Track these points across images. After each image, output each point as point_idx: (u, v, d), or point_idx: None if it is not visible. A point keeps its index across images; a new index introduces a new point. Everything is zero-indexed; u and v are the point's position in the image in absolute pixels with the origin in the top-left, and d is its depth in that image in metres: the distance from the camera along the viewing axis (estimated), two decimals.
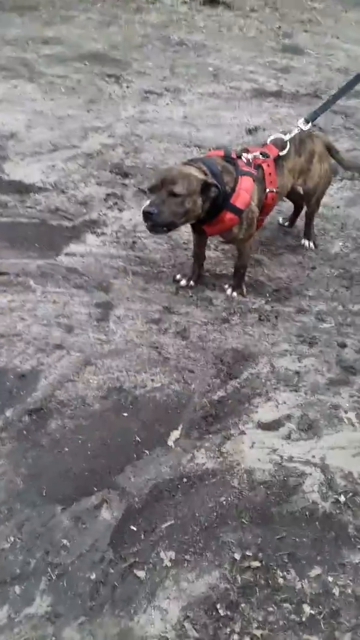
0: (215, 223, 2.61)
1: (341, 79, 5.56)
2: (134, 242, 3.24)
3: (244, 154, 2.71)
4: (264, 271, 3.11)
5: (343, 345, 2.66)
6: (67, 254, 3.09)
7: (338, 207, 3.68)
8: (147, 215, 2.40)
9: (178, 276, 2.95)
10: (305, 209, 3.28)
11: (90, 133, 4.38)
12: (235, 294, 2.91)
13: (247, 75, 5.65)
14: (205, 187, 2.45)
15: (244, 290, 2.92)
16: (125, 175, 3.86)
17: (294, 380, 2.47)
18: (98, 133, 4.39)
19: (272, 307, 2.85)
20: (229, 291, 2.92)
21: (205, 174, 2.49)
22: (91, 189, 3.71)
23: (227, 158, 2.64)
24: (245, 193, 2.58)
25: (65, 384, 2.35)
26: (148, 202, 2.42)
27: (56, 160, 4.00)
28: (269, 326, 2.74)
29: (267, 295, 2.93)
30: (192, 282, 2.94)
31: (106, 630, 1.62)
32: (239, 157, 2.68)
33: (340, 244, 3.36)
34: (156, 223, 2.41)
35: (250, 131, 4.54)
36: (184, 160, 2.68)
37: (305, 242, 3.33)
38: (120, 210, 3.53)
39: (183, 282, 2.93)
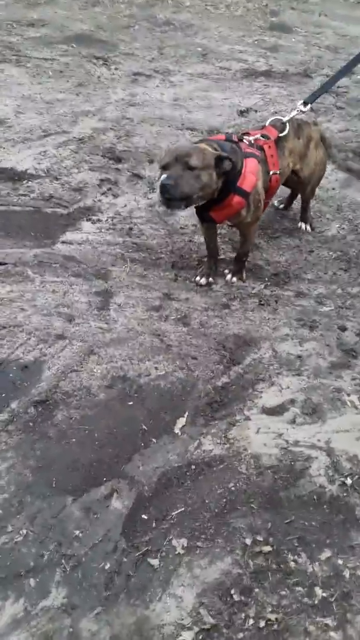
0: (223, 207, 2.58)
1: (330, 57, 5.53)
2: (130, 229, 3.22)
3: (245, 137, 2.68)
4: (262, 255, 3.10)
5: (343, 329, 2.67)
6: (63, 242, 3.06)
7: (333, 188, 3.67)
8: (164, 187, 2.32)
9: (197, 277, 2.90)
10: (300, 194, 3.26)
11: (80, 117, 4.32)
12: (235, 279, 2.90)
13: (236, 55, 5.58)
14: (219, 160, 2.42)
15: (244, 275, 2.92)
16: (118, 159, 3.81)
17: (296, 364, 2.48)
18: (88, 117, 4.33)
19: (271, 291, 2.85)
20: (228, 277, 2.91)
21: (217, 150, 2.47)
22: (84, 174, 3.66)
23: (229, 141, 2.61)
24: (251, 175, 2.55)
25: (69, 374, 2.34)
26: (165, 175, 2.36)
27: (47, 146, 3.94)
28: (269, 311, 2.74)
29: (266, 279, 2.93)
30: (211, 279, 2.90)
31: (123, 619, 1.63)
32: (241, 140, 2.65)
33: (337, 226, 3.36)
34: (173, 197, 2.34)
35: (242, 112, 4.50)
36: (197, 141, 2.64)
37: (302, 225, 3.32)
38: (115, 196, 3.49)
39: (203, 281, 2.88)
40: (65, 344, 2.47)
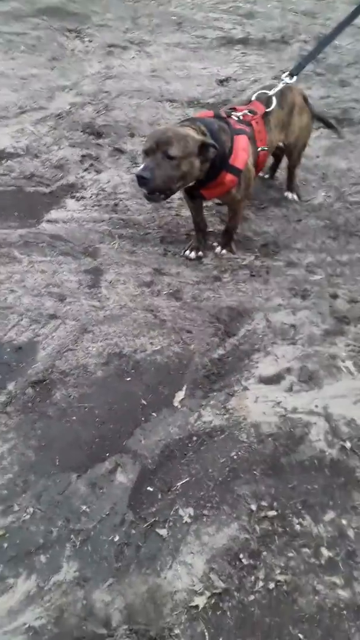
0: (214, 185, 2.54)
1: (307, 22, 5.45)
2: (115, 205, 3.18)
3: (233, 113, 2.63)
4: (251, 226, 3.09)
5: (335, 296, 2.69)
6: (48, 221, 3.02)
7: (318, 156, 3.66)
8: (141, 180, 2.28)
9: (187, 251, 2.88)
10: (285, 160, 3.24)
11: (56, 92, 4.22)
12: (224, 251, 2.90)
13: (212, 23, 5.47)
14: (203, 147, 2.37)
15: (234, 247, 2.91)
16: (99, 134, 3.75)
17: (290, 333, 2.50)
18: (65, 92, 4.24)
19: (262, 262, 2.85)
20: (218, 249, 2.90)
21: (204, 134, 2.42)
22: (65, 151, 3.60)
23: (218, 118, 2.56)
24: (243, 152, 2.51)
25: (65, 354, 2.33)
26: (142, 165, 2.31)
27: (25, 124, 3.86)
28: (261, 281, 2.75)
29: (256, 250, 2.93)
30: (200, 253, 2.88)
31: (135, 589, 1.66)
32: (229, 116, 2.60)
33: (323, 194, 3.35)
34: (151, 189, 2.31)
35: (221, 82, 4.43)
36: (182, 120, 2.57)
37: (289, 195, 3.31)
38: (98, 172, 3.44)
39: (192, 255, 2.86)
40: (58, 324, 2.46)
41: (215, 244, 2.93)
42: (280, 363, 2.37)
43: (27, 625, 1.57)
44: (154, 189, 2.32)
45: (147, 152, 2.33)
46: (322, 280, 2.78)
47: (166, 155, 2.29)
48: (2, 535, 1.76)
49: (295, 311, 2.61)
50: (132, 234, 2.98)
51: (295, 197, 3.32)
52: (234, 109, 2.69)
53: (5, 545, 1.74)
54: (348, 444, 2.07)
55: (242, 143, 2.52)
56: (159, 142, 2.30)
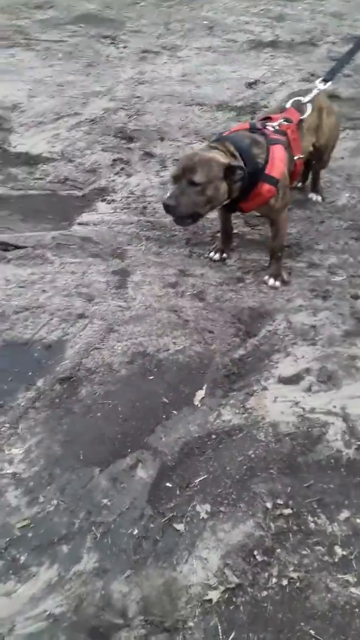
0: (251, 198, 2.55)
1: (336, 24, 5.43)
2: (144, 207, 3.26)
3: (269, 123, 2.65)
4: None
5: (356, 297, 2.70)
6: (80, 224, 3.13)
7: (342, 158, 3.66)
8: (167, 208, 2.37)
9: (211, 253, 2.92)
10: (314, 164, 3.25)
11: (91, 98, 4.35)
12: (277, 282, 2.77)
13: (243, 27, 5.52)
14: (229, 170, 2.39)
15: (285, 276, 2.80)
16: (130, 139, 3.84)
17: (311, 334, 2.53)
18: (99, 97, 4.35)
19: (284, 263, 2.88)
20: (270, 281, 2.78)
21: (233, 155, 2.44)
22: (97, 155, 3.71)
23: (254, 129, 2.59)
24: (279, 162, 2.53)
25: (92, 352, 2.42)
26: (168, 193, 2.38)
27: (60, 129, 3.99)
28: (283, 282, 2.78)
29: None
30: (224, 255, 2.91)
31: (152, 581, 1.72)
32: (264, 127, 2.62)
33: (347, 195, 3.36)
34: (177, 216, 2.39)
35: (250, 85, 4.48)
36: (211, 140, 2.59)
37: (313, 196, 3.32)
38: (128, 175, 3.53)
39: (217, 257, 2.90)
40: (86, 323, 2.55)
41: (266, 277, 2.81)
42: (299, 363, 2.40)
43: (47, 613, 1.65)
44: (180, 216, 2.39)
45: (175, 179, 2.40)
46: (343, 282, 2.79)
47: (191, 182, 2.34)
48: (26, 525, 1.84)
49: (316, 312, 2.63)
50: (158, 236, 3.05)
51: (319, 198, 3.33)
52: (269, 119, 2.71)
53: (30, 535, 1.83)
54: None
55: (278, 153, 2.54)
56: (185, 168, 2.36)
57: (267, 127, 2.61)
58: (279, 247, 2.78)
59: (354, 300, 2.69)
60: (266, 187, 2.52)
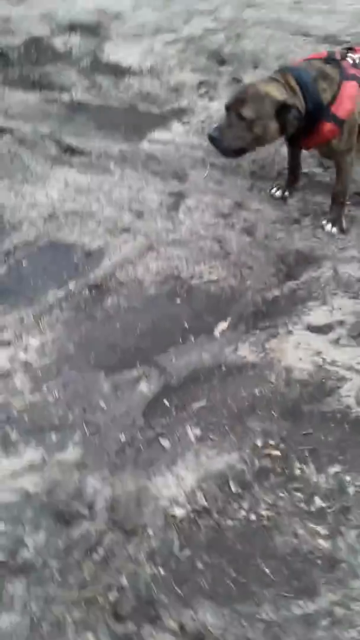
0: (311, 136, 2.38)
1: None
2: None
3: (350, 54, 2.40)
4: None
5: None
6: (150, 141, 3.09)
7: None
8: (211, 139, 2.28)
9: (273, 189, 2.80)
10: None
11: (194, 16, 4.18)
12: (335, 229, 2.63)
13: None
14: (283, 108, 2.22)
15: (344, 223, 2.64)
16: (222, 62, 3.69)
17: (356, 287, 2.39)
18: (203, 16, 4.18)
19: (348, 210, 2.70)
20: (328, 227, 2.63)
21: (293, 89, 2.25)
22: (185, 75, 3.60)
23: (330, 60, 2.37)
24: (348, 101, 2.30)
25: (127, 266, 2.43)
26: (214, 125, 2.29)
27: (156, 44, 3.90)
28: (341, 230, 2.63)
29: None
30: (286, 193, 2.78)
31: (125, 485, 1.77)
32: (344, 58, 2.38)
33: None
34: (221, 150, 2.29)
35: None
36: (274, 71, 2.40)
37: None
38: (211, 99, 3.42)
39: (278, 194, 2.77)
40: (129, 238, 2.56)
41: (324, 221, 2.66)
42: (334, 314, 2.29)
43: (23, 489, 1.75)
44: (224, 150, 2.29)
45: (226, 109, 2.28)
46: None
47: (239, 116, 2.21)
48: (24, 410, 1.95)
49: None
50: (224, 164, 2.96)
51: None
52: (352, 49, 2.49)
53: (26, 418, 1.93)
54: None
55: (350, 90, 2.31)
56: (236, 100, 2.23)
57: (348, 58, 2.38)
58: (341, 192, 2.60)
59: None
60: (328, 126, 2.32)
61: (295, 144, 2.53)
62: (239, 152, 2.35)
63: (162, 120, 3.26)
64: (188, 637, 1.49)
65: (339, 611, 1.52)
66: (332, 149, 2.45)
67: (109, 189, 2.79)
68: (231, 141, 2.27)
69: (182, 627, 1.50)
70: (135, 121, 3.25)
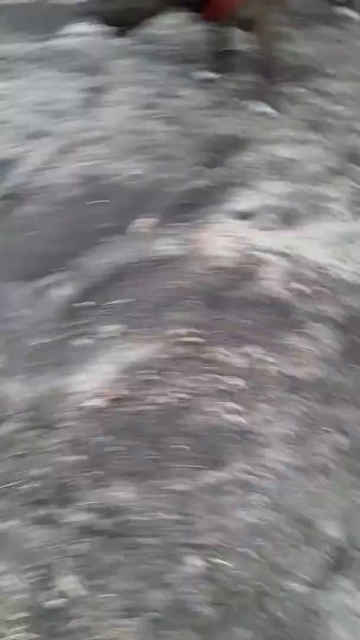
0: None
1: None
2: None
3: None
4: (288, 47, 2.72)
5: (352, 130, 2.37)
6: (66, 36, 2.89)
7: None
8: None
9: (203, 72, 2.68)
10: None
11: None
12: (268, 108, 2.53)
13: None
14: None
15: (278, 101, 2.52)
16: None
17: (287, 169, 2.29)
18: None
19: (280, 87, 2.54)
20: (260, 106, 2.53)
21: None
22: None
23: None
24: None
25: (45, 171, 2.34)
26: None
27: None
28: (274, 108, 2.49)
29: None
30: (217, 75, 2.66)
31: (45, 386, 1.78)
32: None
33: None
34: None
35: None
36: None
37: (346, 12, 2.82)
38: None
39: (208, 76, 2.67)
40: (47, 141, 2.45)
41: (256, 100, 2.54)
42: (263, 198, 2.21)
43: None
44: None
45: None
46: (345, 113, 2.45)
47: None
48: None
49: (301, 144, 2.36)
50: (150, 50, 2.77)
51: (355, 15, 2.84)
52: None
53: None
54: (304, 288, 1.95)
55: None
56: None
57: None
58: (269, 63, 2.47)
59: (348, 135, 2.37)
60: None
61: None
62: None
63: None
64: (103, 513, 1.55)
65: (245, 477, 1.55)
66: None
67: (22, 93, 2.65)
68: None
69: (99, 504, 1.56)
70: (45, 17, 3.02)
